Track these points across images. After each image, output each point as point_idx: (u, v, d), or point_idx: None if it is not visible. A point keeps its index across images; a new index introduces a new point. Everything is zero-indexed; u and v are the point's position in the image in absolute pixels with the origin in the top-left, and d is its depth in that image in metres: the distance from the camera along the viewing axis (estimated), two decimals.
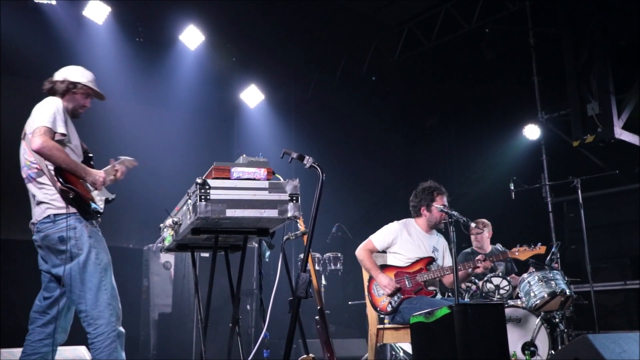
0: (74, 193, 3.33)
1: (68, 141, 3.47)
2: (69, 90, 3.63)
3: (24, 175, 3.54)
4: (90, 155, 3.70)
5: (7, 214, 6.62)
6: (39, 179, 3.44)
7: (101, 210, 3.52)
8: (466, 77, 8.76)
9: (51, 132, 3.34)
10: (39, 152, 3.29)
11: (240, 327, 3.62)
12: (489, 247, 5.97)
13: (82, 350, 4.78)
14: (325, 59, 9.57)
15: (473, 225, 4.18)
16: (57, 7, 7.24)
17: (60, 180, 3.32)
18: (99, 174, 3.55)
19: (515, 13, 7.99)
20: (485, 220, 6.07)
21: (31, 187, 3.50)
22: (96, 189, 3.53)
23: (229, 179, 3.16)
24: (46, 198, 3.40)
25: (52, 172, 3.35)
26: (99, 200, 3.52)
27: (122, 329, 3.42)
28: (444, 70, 9.09)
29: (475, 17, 8.31)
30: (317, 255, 6.75)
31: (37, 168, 3.43)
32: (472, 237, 6.00)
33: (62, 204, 3.37)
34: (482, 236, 5.94)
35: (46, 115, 3.37)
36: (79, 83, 3.66)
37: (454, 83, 8.86)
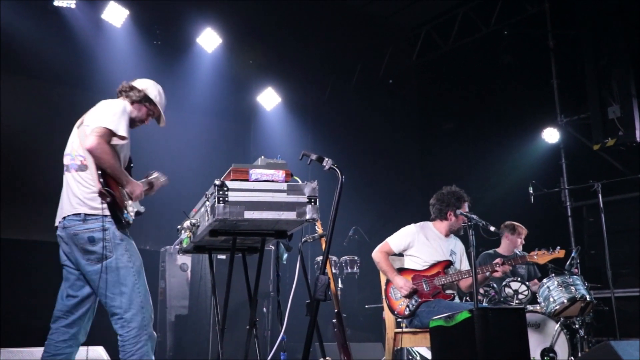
0: (112, 198, 3.30)
1: (121, 147, 3.44)
2: (141, 101, 3.65)
3: (65, 163, 3.52)
4: (132, 165, 3.66)
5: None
6: (80, 173, 3.40)
7: (131, 221, 3.47)
8: (484, 80, 8.68)
9: (109, 135, 3.32)
10: (91, 151, 3.28)
11: (257, 329, 3.61)
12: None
13: (99, 350, 4.78)
14: (342, 62, 9.56)
15: (492, 228, 4.15)
16: (76, 11, 7.30)
17: (101, 181, 3.30)
18: (139, 186, 3.52)
19: (534, 15, 7.90)
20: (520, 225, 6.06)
21: (69, 177, 3.46)
22: (131, 199, 3.48)
23: (247, 180, 3.16)
24: (82, 195, 3.36)
25: (98, 172, 3.32)
26: (131, 211, 3.48)
27: (154, 332, 3.39)
28: (461, 74, 9.02)
29: (494, 20, 8.24)
30: (334, 258, 6.74)
31: (81, 162, 3.41)
32: (506, 241, 5.98)
33: (96, 204, 3.33)
34: (516, 241, 5.93)
35: (111, 116, 3.36)
36: (153, 101, 3.69)
37: (472, 86, 8.79)
